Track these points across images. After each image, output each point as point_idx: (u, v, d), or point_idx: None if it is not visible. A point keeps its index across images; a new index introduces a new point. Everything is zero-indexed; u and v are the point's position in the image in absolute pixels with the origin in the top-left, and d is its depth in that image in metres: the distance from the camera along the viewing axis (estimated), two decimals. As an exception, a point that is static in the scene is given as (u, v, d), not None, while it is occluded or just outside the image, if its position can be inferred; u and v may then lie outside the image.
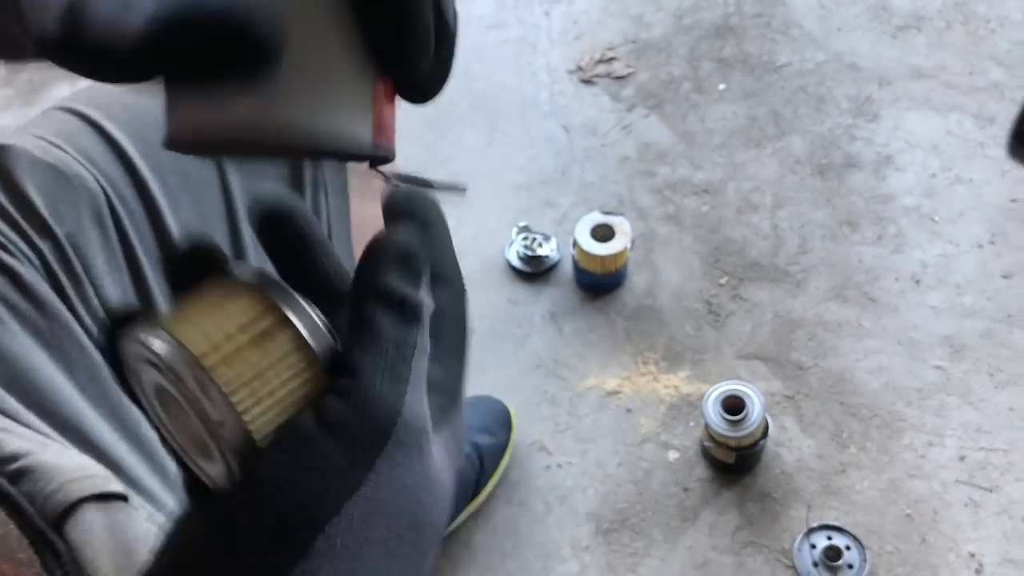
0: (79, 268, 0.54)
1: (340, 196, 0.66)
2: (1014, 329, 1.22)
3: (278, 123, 0.29)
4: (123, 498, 0.44)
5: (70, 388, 0.51)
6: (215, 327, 0.29)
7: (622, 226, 1.27)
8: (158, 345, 0.29)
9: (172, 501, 0.51)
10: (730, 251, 1.32)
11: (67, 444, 0.49)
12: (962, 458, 1.13)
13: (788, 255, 1.31)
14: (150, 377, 0.30)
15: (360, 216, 0.68)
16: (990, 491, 1.11)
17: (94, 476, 0.45)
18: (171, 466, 0.51)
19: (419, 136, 1.47)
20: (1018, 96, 1.40)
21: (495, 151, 1.46)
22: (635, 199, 1.38)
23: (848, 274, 1.28)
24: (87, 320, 0.53)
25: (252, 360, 0.29)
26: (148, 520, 0.45)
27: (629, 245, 1.26)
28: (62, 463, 0.45)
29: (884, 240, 1.30)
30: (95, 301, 0.54)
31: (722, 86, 1.48)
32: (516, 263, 1.32)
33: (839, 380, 1.20)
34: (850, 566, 1.06)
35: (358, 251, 0.69)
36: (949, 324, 1.23)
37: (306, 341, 0.29)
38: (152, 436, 0.51)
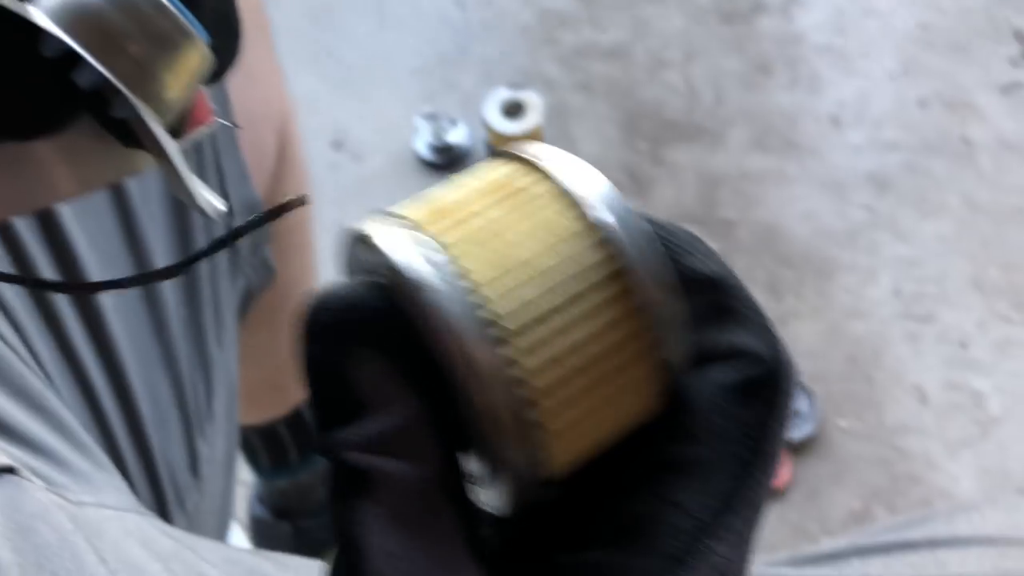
0: None
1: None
2: (933, 157, 1.21)
3: None
4: (10, 470, 0.38)
5: None
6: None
7: (533, 100, 1.21)
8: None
9: (86, 464, 0.45)
10: (646, 114, 1.27)
11: None
12: (897, 293, 1.13)
13: (704, 110, 1.27)
14: None
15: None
16: (926, 321, 1.12)
17: None
18: (75, 426, 0.45)
19: (301, 33, 1.37)
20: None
21: (386, 36, 1.37)
22: (541, 70, 1.32)
23: (767, 122, 1.25)
24: None
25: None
26: (47, 491, 0.39)
27: (542, 120, 1.21)
28: None
29: (799, 83, 1.27)
30: None
31: (616, -61, 1.41)
32: (426, 154, 1.26)
33: (769, 231, 1.18)
34: (799, 413, 1.07)
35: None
36: (871, 160, 1.21)
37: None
38: (52, 397, 0.45)
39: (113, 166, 0.25)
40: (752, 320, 0.25)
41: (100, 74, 0.22)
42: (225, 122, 0.29)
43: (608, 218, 0.23)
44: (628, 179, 1.23)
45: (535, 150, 0.24)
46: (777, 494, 1.04)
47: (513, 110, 1.21)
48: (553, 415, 0.22)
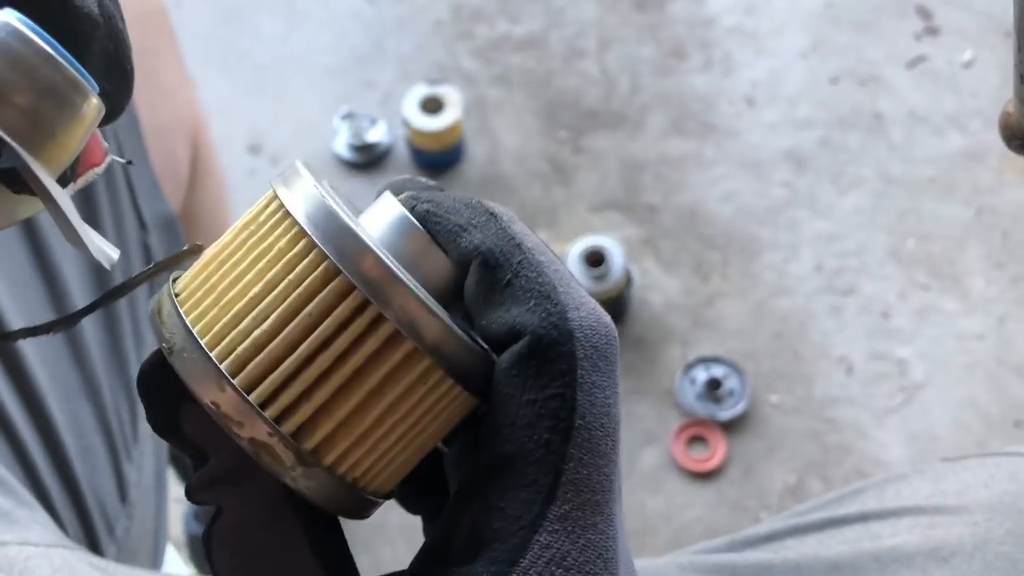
0: None
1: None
2: (848, 131, 1.24)
3: None
4: None
5: None
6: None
7: (451, 96, 1.20)
8: None
9: (6, 502, 0.44)
10: (564, 103, 1.27)
11: None
12: (819, 268, 1.16)
13: (622, 97, 1.27)
14: None
15: None
16: (848, 294, 1.14)
17: None
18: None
19: (211, 37, 1.34)
20: None
21: (298, 36, 1.35)
22: (459, 65, 1.31)
23: (683, 106, 1.26)
24: None
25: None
26: None
27: (461, 115, 1.20)
28: None
29: (713, 65, 1.29)
30: None
31: (525, -70, 1.41)
32: (346, 154, 1.24)
33: (691, 214, 1.20)
34: (732, 392, 1.08)
35: None
36: (787, 138, 1.23)
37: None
38: None
39: (5, 212, 0.25)
40: (525, 290, 0.24)
41: None
42: (119, 159, 0.29)
43: (311, 230, 0.25)
44: (551, 168, 1.23)
45: (287, 172, 0.26)
46: (714, 473, 1.05)
47: (432, 106, 1.20)
48: (327, 443, 0.25)
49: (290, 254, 0.25)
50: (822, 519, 0.44)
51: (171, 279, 0.27)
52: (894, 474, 0.46)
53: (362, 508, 0.26)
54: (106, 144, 0.27)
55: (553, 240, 1.18)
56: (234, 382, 0.24)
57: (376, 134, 1.24)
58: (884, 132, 1.23)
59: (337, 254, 0.24)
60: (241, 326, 0.25)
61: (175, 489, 0.84)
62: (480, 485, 0.24)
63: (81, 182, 0.26)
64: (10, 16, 0.22)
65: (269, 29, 1.35)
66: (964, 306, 1.12)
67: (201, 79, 1.31)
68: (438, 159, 1.22)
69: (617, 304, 1.11)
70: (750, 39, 1.30)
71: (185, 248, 0.27)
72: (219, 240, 0.27)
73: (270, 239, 0.26)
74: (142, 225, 0.57)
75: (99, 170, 0.27)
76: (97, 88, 0.24)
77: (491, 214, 0.26)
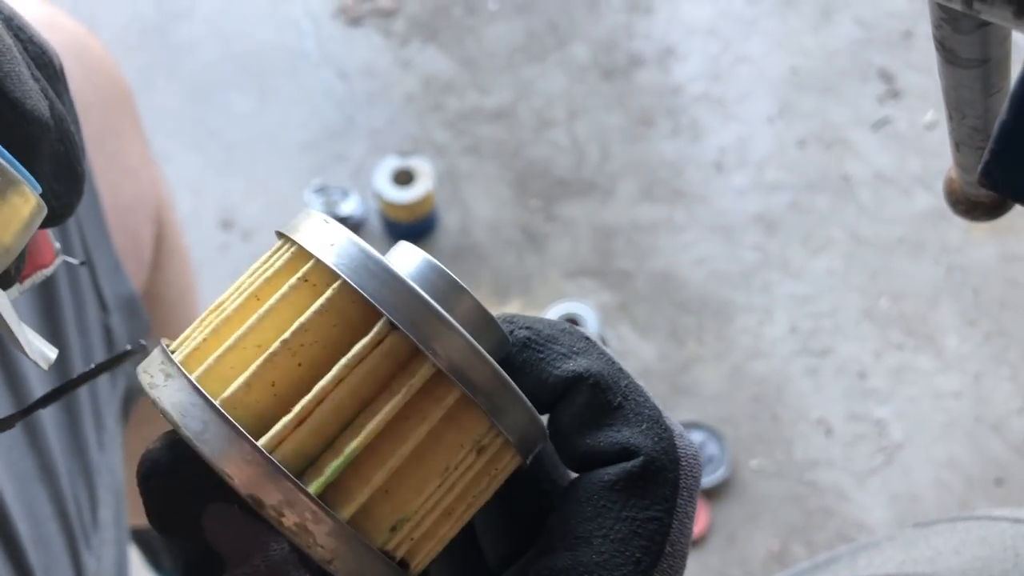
0: None
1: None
2: (816, 194, 1.25)
3: None
4: None
5: None
6: None
7: (422, 167, 1.21)
8: None
9: None
10: (535, 173, 1.28)
11: None
12: (793, 330, 1.16)
13: (592, 165, 1.29)
14: None
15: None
16: (824, 355, 1.14)
17: None
18: None
19: (183, 111, 1.35)
20: (778, -33, 1.42)
21: (270, 112, 1.36)
22: (430, 137, 1.32)
23: (652, 172, 1.27)
24: None
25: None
26: None
27: (433, 186, 1.20)
28: None
29: (680, 132, 1.30)
30: None
31: (493, 5, 1.43)
32: (319, 227, 1.24)
33: (665, 279, 1.20)
34: (712, 458, 1.07)
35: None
36: (756, 202, 1.24)
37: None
38: None
39: None
40: (636, 413, 0.25)
41: None
42: (71, 260, 0.29)
43: (370, 293, 0.22)
44: (523, 236, 1.24)
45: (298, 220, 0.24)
46: (696, 542, 1.03)
47: (403, 178, 1.20)
48: (379, 524, 0.22)
49: (349, 316, 0.22)
50: (796, 589, 0.43)
51: (162, 344, 0.24)
52: (866, 541, 0.45)
53: None
54: (57, 244, 0.27)
55: (527, 307, 1.18)
56: (289, 474, 0.21)
57: (349, 206, 1.24)
58: (852, 193, 1.25)
59: (411, 328, 0.22)
60: (277, 393, 0.22)
61: (138, 574, 0.82)
62: None
63: (27, 283, 0.26)
64: None
65: (240, 106, 1.36)
66: (939, 364, 1.12)
67: (173, 156, 1.32)
68: (411, 230, 1.22)
69: (593, 371, 1.10)
70: (717, 106, 1.32)
71: (125, 349, 0.26)
72: (224, 296, 0.24)
73: (302, 297, 0.23)
74: (103, 306, 0.57)
75: (47, 271, 0.27)
76: (39, 188, 0.23)
77: (587, 339, 0.26)
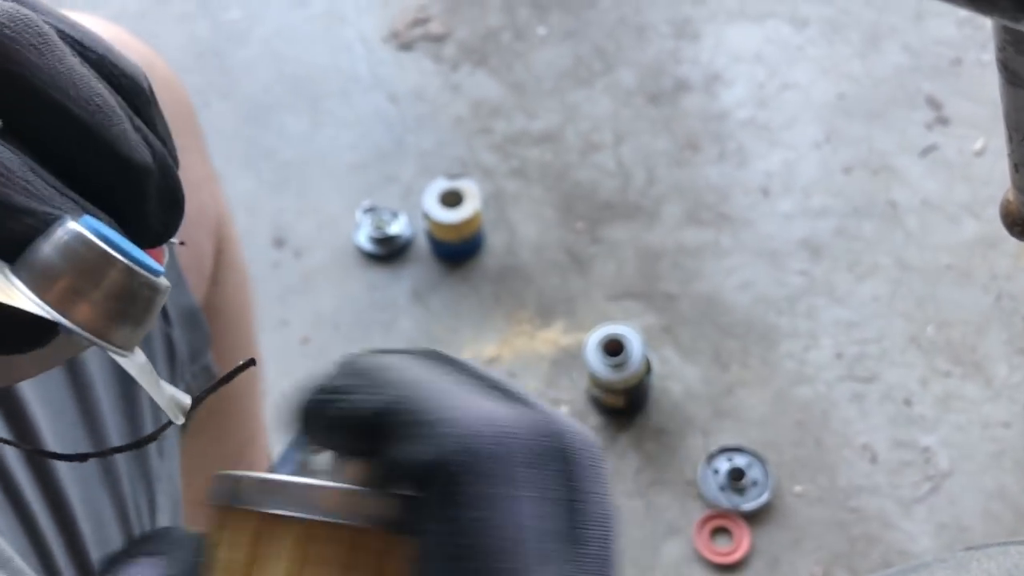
0: None
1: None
2: (863, 220, 1.25)
3: None
4: None
5: None
6: None
7: (470, 189, 1.23)
8: None
9: None
10: (581, 195, 1.30)
11: None
12: (839, 355, 1.15)
13: (638, 189, 1.30)
14: None
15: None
16: (870, 381, 1.14)
17: None
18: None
19: (236, 133, 1.38)
20: (825, -5, 1.42)
21: (322, 134, 1.39)
22: (477, 159, 1.34)
23: (698, 197, 1.28)
24: None
25: None
26: None
27: (480, 207, 1.22)
28: None
29: (727, 157, 1.31)
30: None
31: (542, 30, 1.45)
32: (368, 247, 1.26)
33: (709, 302, 1.20)
34: (755, 483, 1.07)
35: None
36: (803, 228, 1.24)
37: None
38: None
39: (67, 351, 0.27)
40: (409, 428, 0.26)
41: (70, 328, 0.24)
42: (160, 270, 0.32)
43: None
44: (568, 258, 1.25)
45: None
46: (738, 565, 1.03)
47: (451, 199, 1.22)
48: None
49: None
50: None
51: None
52: (915, 563, 0.45)
53: None
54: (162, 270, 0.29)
55: (571, 329, 1.19)
56: None
57: (397, 227, 1.26)
58: (899, 220, 1.24)
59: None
60: None
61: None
62: None
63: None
64: (87, 228, 0.24)
65: (293, 128, 1.39)
66: (988, 392, 1.11)
67: (227, 175, 1.35)
68: (457, 250, 1.24)
69: (637, 392, 1.10)
70: (763, 131, 1.33)
71: (240, 364, 0.29)
72: None
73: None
74: (166, 318, 0.59)
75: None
76: (162, 270, 0.26)
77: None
